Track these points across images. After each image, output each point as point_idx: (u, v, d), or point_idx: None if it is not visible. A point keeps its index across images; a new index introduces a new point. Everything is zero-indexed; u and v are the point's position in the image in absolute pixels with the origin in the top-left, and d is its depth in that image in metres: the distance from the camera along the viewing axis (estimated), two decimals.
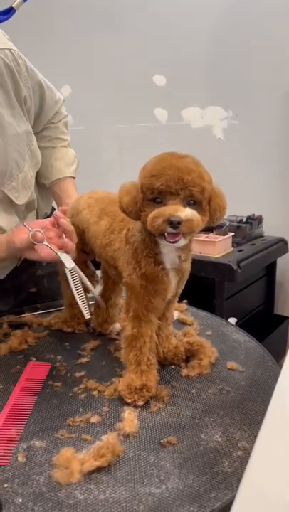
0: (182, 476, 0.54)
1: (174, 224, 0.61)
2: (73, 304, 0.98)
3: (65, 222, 0.77)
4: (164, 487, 0.52)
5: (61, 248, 0.76)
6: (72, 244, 0.77)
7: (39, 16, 2.40)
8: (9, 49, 0.85)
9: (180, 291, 0.78)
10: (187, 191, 0.62)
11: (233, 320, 1.45)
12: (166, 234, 0.63)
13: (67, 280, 0.94)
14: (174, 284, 0.73)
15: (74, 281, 0.77)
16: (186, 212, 0.61)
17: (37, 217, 1.09)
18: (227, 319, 1.45)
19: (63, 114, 1.09)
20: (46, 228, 0.77)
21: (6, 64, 0.84)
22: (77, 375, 0.78)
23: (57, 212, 0.78)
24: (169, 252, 0.69)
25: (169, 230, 0.62)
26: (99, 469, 0.55)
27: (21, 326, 0.96)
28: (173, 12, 1.96)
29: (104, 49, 2.23)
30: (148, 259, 0.70)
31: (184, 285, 0.77)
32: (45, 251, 0.75)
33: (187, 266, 0.74)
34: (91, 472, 0.54)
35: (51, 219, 0.78)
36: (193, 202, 0.64)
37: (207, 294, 1.46)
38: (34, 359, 0.84)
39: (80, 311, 0.77)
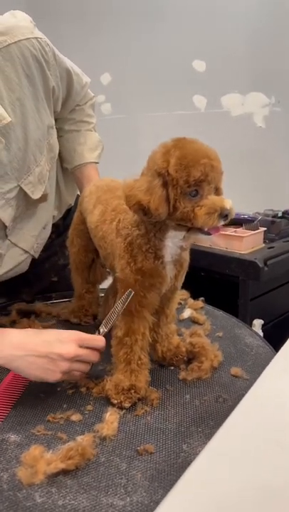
0: (151, 490, 0.50)
1: (227, 217, 0.58)
2: (82, 295, 0.96)
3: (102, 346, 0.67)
4: (128, 500, 0.49)
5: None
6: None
7: (80, 3, 2.40)
8: (36, 38, 0.80)
9: (179, 284, 0.73)
10: (217, 178, 0.60)
11: (258, 322, 1.37)
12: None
13: (77, 269, 0.92)
14: (171, 278, 0.69)
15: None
16: (230, 202, 0.59)
17: (59, 209, 1.07)
18: (251, 321, 1.37)
19: (90, 95, 1.05)
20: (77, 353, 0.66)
21: (34, 56, 0.79)
22: None
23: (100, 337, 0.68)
24: (174, 244, 0.65)
25: (220, 223, 0.59)
26: (64, 472, 0.52)
27: (30, 315, 0.96)
28: None
29: (143, 35, 2.17)
30: (147, 254, 0.65)
31: (183, 278, 0.72)
32: None
33: (186, 256, 0.70)
34: (56, 474, 0.52)
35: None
36: (216, 189, 0.61)
37: (231, 292, 1.39)
38: None
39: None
